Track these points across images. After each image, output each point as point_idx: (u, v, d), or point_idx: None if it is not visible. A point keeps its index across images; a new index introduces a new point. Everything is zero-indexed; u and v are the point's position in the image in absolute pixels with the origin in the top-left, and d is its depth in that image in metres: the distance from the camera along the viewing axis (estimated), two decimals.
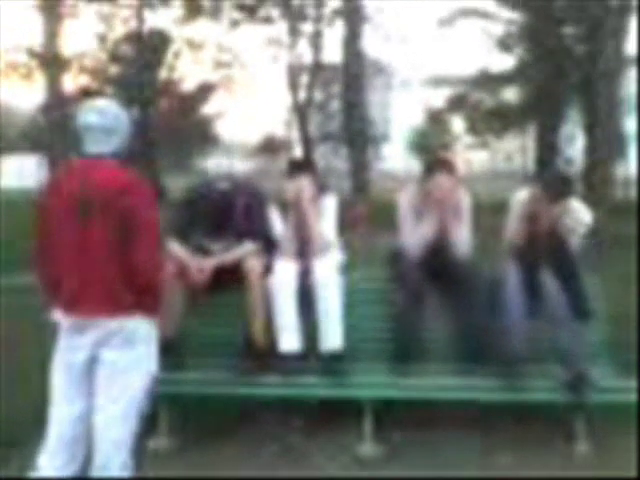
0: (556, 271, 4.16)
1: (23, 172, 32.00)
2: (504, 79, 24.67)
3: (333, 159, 26.47)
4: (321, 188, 4.51)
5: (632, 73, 18.93)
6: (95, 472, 2.93)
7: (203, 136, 33.32)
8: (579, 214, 4.28)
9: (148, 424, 3.15)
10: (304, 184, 4.36)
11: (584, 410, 4.10)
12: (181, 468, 3.85)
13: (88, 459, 2.99)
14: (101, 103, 3.04)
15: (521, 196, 4.38)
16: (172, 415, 4.16)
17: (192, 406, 4.38)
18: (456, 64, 36.29)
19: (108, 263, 2.86)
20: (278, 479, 3.76)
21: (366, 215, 13.80)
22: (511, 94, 27.27)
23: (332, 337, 4.18)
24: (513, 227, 4.34)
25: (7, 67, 18.90)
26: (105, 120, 2.95)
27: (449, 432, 4.25)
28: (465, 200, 4.48)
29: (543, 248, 4.20)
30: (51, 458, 2.98)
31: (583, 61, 14.92)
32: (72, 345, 2.95)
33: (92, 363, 2.94)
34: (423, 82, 44.91)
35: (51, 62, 16.99)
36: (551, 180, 4.31)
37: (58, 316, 2.98)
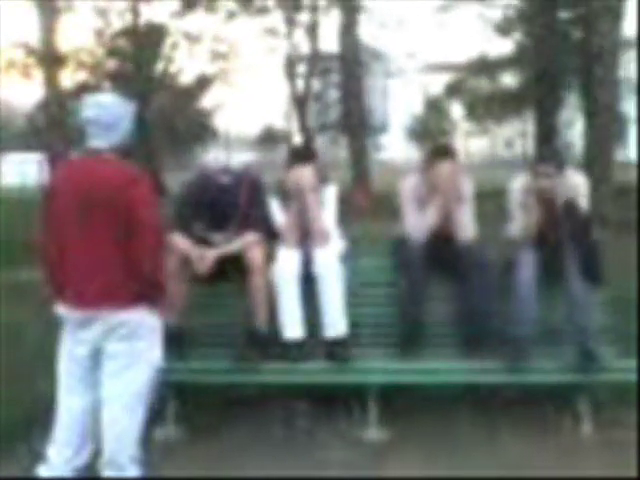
0: (576, 244, 4.14)
1: (24, 170, 32.02)
2: (502, 64, 24.62)
3: (332, 149, 26.44)
4: (322, 177, 4.52)
5: (630, 55, 18.88)
6: (104, 463, 2.96)
7: (201, 129, 33.25)
8: (576, 181, 4.33)
9: (155, 414, 3.18)
10: (306, 173, 4.38)
11: (589, 391, 4.15)
12: (189, 456, 3.89)
13: (96, 451, 3.02)
14: (101, 97, 3.04)
15: (518, 183, 4.41)
16: (178, 404, 4.20)
17: (198, 395, 4.41)
18: (454, 50, 36.22)
19: (111, 257, 2.88)
20: (285, 464, 3.79)
21: (368, 206, 13.79)
22: (510, 79, 27.21)
23: (335, 324, 4.20)
24: (519, 214, 4.35)
25: (5, 65, 18.90)
26: (105, 114, 2.95)
27: (454, 415, 4.28)
28: (467, 185, 4.50)
29: (563, 227, 4.18)
30: (60, 449, 3.02)
31: (580, 44, 14.89)
32: (77, 339, 2.97)
33: (97, 355, 2.96)
34: (421, 69, 44.77)
35: (48, 58, 16.96)
36: (545, 155, 4.38)
37: (62, 310, 3.00)
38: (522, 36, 22.68)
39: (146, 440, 3.04)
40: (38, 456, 3.10)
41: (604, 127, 12.84)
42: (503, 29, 23.19)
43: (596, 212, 4.43)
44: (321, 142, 27.57)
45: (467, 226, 4.42)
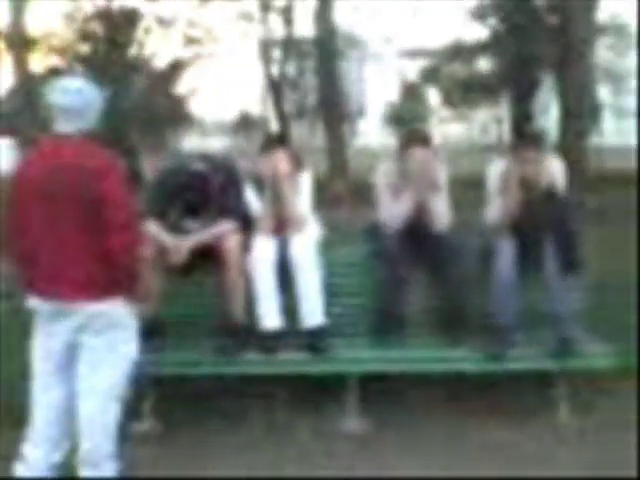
0: (554, 230, 4.12)
1: None
2: (478, 50, 24.63)
3: (309, 136, 26.34)
4: (297, 164, 4.48)
5: (604, 41, 18.99)
6: (80, 460, 2.89)
7: (176, 115, 32.91)
8: (555, 166, 4.32)
9: (132, 408, 3.12)
10: (279, 159, 4.33)
11: (566, 377, 4.15)
12: (167, 450, 3.85)
13: (72, 448, 2.95)
14: (67, 81, 2.94)
15: (497, 168, 4.39)
16: (156, 397, 4.13)
17: (175, 387, 4.35)
18: (430, 36, 36.00)
19: (84, 247, 2.79)
20: (264, 457, 3.78)
21: (347, 193, 13.82)
22: (485, 65, 27.22)
23: (313, 313, 4.17)
24: (497, 200, 4.31)
25: None
26: (72, 98, 2.85)
27: (432, 404, 4.29)
28: (442, 172, 4.46)
29: (543, 213, 4.16)
30: (35, 446, 2.94)
31: (555, 31, 14.94)
32: (50, 332, 2.88)
33: (71, 349, 2.88)
34: (397, 54, 44.55)
35: (18, 43, 16.63)
36: (527, 139, 4.34)
37: (34, 303, 2.91)
38: (497, 22, 22.68)
39: (123, 435, 2.97)
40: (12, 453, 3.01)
41: (579, 113, 12.89)
42: (479, 15, 23.16)
43: (574, 199, 4.41)
44: (298, 129, 27.40)
45: (442, 215, 4.37)
